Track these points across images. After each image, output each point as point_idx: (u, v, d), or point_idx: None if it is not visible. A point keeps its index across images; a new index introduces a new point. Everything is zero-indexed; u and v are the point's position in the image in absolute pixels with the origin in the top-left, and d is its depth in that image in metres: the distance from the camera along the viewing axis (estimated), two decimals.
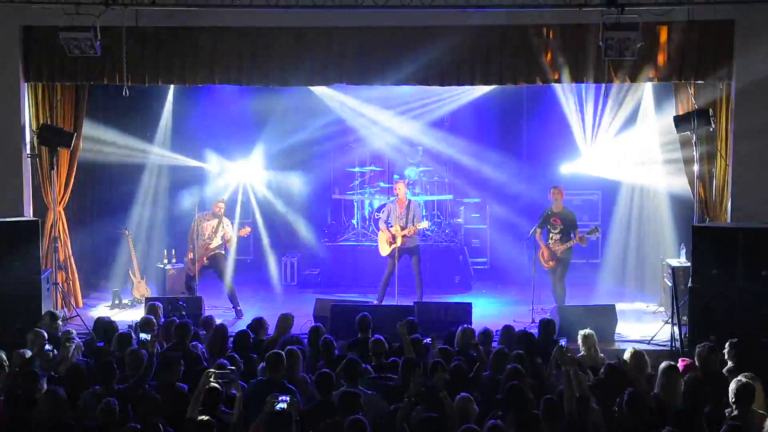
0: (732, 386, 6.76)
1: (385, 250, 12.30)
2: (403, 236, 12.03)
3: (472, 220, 14.85)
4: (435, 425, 6.26)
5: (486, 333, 8.89)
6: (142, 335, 8.44)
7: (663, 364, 7.40)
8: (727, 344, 8.13)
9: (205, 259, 12.23)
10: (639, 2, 10.55)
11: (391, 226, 12.18)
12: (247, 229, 12.53)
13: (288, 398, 6.26)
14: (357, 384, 7.17)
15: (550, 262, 11.80)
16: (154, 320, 9.27)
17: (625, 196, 14.67)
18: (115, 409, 6.46)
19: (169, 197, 14.52)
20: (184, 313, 10.25)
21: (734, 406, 6.72)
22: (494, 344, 8.85)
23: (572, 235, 11.66)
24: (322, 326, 9.18)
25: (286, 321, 8.90)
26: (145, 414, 6.51)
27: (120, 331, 8.89)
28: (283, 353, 7.48)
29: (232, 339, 8.79)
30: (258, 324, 9.13)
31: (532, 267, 11.95)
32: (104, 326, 9.10)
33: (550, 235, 11.79)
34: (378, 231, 12.59)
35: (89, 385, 7.19)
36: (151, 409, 6.60)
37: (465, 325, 9.07)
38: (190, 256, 12.24)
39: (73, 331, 9.20)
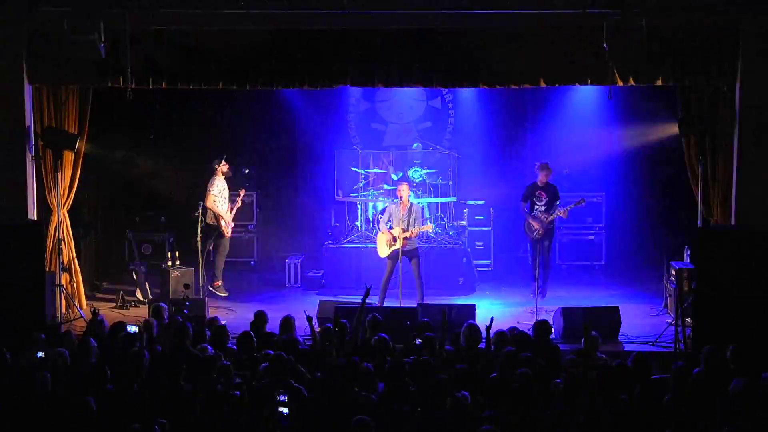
0: (737, 387, 6.75)
1: (383, 251, 12.28)
2: (404, 239, 12.03)
3: (476, 222, 14.86)
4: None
5: (501, 334, 8.72)
6: (131, 328, 8.47)
7: (674, 366, 7.41)
8: (730, 347, 8.10)
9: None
10: (643, 4, 10.56)
11: (392, 228, 12.17)
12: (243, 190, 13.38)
13: (285, 399, 6.29)
14: (354, 386, 7.17)
15: (541, 231, 12.49)
16: (154, 320, 9.32)
17: (629, 197, 14.70)
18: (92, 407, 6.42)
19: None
20: (185, 311, 10.25)
21: (740, 407, 6.70)
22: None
23: (554, 208, 12.49)
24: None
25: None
26: (142, 414, 6.50)
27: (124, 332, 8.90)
28: (284, 355, 7.50)
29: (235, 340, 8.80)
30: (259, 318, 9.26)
31: (536, 269, 12.00)
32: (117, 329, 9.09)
33: (535, 206, 12.55)
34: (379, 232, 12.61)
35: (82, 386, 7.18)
36: (148, 409, 6.59)
37: (470, 321, 8.97)
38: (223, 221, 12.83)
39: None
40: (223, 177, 13.05)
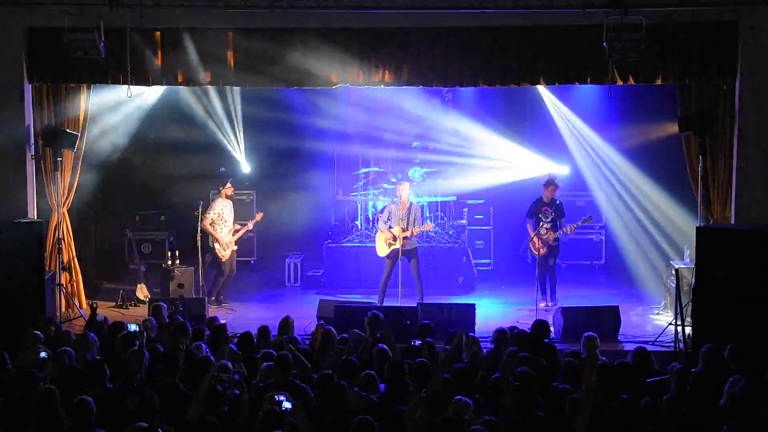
0: (736, 387, 6.75)
1: (383, 250, 12.29)
2: (404, 238, 12.02)
3: (476, 221, 14.87)
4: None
5: (501, 332, 8.69)
6: (132, 326, 8.46)
7: (673, 367, 7.41)
8: (728, 347, 8.10)
9: (235, 244, 12.73)
10: (643, 3, 10.56)
11: (392, 228, 12.17)
12: (260, 214, 13.16)
13: (284, 397, 6.29)
14: (353, 385, 7.16)
15: (542, 250, 12.24)
16: (153, 320, 9.32)
17: (628, 196, 14.70)
18: (91, 407, 6.42)
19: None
20: (181, 308, 10.25)
21: (740, 407, 6.70)
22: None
23: (559, 226, 12.30)
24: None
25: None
26: (142, 414, 6.49)
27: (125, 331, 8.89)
28: (290, 355, 7.51)
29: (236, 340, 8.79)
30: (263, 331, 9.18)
31: (536, 268, 12.00)
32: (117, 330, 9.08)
33: (541, 224, 12.32)
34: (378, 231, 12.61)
35: (82, 385, 7.16)
36: (148, 409, 6.58)
37: (469, 334, 8.91)
38: (219, 244, 12.53)
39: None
40: (228, 200, 12.80)
